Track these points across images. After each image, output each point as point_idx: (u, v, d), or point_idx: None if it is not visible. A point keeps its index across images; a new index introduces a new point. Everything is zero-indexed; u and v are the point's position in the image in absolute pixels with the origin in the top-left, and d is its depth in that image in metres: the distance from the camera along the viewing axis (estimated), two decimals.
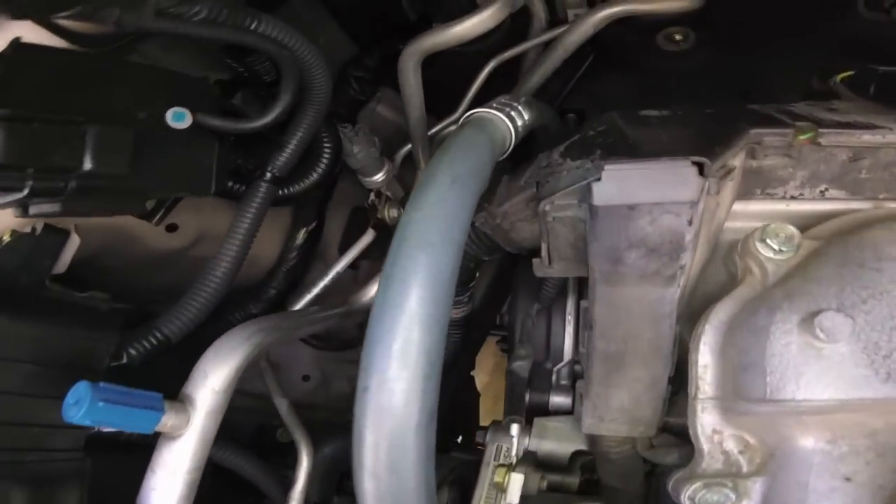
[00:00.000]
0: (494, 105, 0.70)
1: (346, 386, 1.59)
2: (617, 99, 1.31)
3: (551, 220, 0.60)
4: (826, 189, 0.69)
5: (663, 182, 0.52)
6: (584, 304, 0.72)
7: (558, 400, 0.88)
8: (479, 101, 1.26)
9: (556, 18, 1.17)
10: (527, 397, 0.86)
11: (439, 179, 0.51)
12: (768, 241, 0.65)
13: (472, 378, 1.89)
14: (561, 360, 0.85)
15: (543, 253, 0.63)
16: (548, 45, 1.15)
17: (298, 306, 1.08)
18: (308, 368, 1.50)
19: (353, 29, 1.29)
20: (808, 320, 0.57)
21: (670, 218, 0.53)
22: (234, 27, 0.79)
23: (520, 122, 0.69)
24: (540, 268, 0.65)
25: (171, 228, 0.96)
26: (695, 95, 1.27)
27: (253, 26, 0.81)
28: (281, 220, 1.15)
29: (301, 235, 1.09)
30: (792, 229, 0.65)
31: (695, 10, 1.04)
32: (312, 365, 1.49)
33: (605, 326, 0.64)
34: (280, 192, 0.93)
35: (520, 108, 0.72)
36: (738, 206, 0.69)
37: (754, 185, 0.69)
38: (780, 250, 0.65)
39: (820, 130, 0.64)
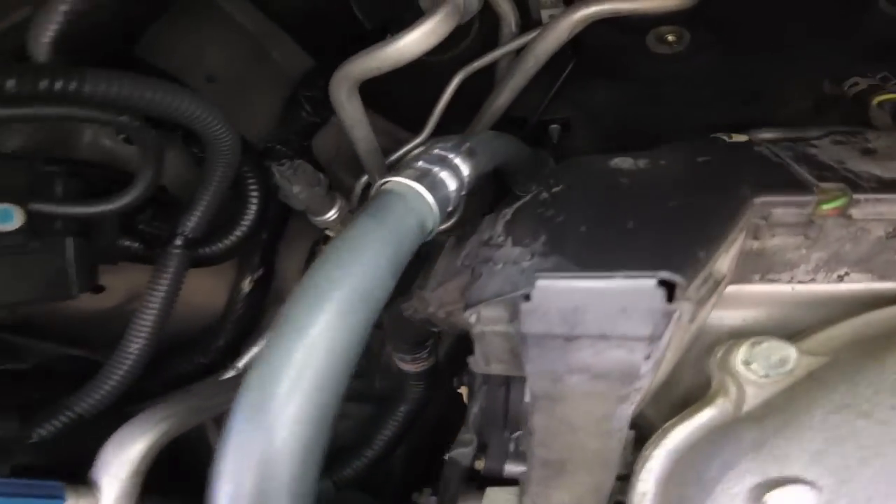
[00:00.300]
0: (420, 165, 0.54)
1: None
2: (605, 108, 1.13)
3: (479, 332, 0.46)
4: (847, 273, 0.53)
5: (614, 308, 0.37)
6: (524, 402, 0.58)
7: (514, 469, 0.75)
8: (450, 117, 1.11)
9: (531, 21, 1.00)
10: (482, 465, 0.74)
11: (306, 315, 0.37)
12: (754, 365, 0.50)
13: (460, 395, 1.77)
14: (518, 429, 0.72)
15: (478, 355, 0.50)
16: (519, 53, 0.98)
17: (246, 359, 0.96)
18: None
19: (308, 42, 1.14)
20: (760, 492, 0.42)
21: (621, 353, 0.39)
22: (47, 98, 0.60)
23: (451, 187, 0.54)
24: (476, 366, 0.51)
25: (98, 290, 0.86)
26: (692, 103, 1.09)
27: (76, 89, 0.61)
28: (226, 270, 1.04)
29: (247, 284, 0.97)
30: (789, 350, 0.49)
31: (688, 7, 0.87)
32: None
33: (545, 436, 0.50)
34: (204, 250, 0.81)
35: (457, 161, 0.56)
36: (728, 289, 0.53)
37: (752, 270, 0.53)
38: (767, 375, 0.49)
39: (854, 197, 0.48)
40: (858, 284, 0.54)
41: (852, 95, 0.99)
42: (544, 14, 0.95)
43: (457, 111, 1.12)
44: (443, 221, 0.54)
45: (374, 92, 1.26)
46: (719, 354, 0.52)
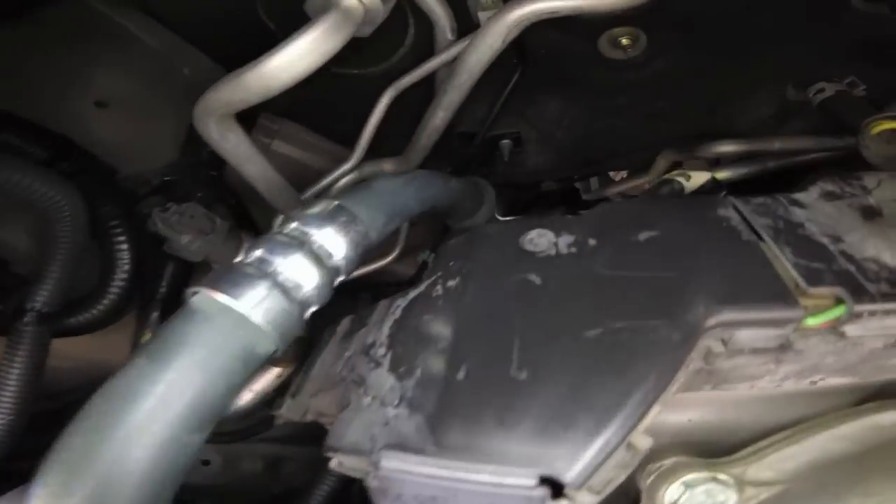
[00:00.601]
0: (258, 256, 0.38)
1: (258, 465, 1.31)
2: (557, 122, 1.00)
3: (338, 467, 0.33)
4: (822, 378, 0.39)
5: None
6: None
7: None
8: (396, 133, 0.97)
9: (471, 26, 0.87)
10: None
11: None
12: None
13: None
14: None
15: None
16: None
17: None
18: (205, 454, 1.23)
19: (221, 54, 0.98)
20: None
21: None
22: None
23: (308, 285, 0.37)
24: None
25: None
26: (649, 115, 0.97)
27: None
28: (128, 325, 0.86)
29: (146, 338, 0.79)
30: (729, 495, 0.36)
31: (640, 5, 0.74)
32: (210, 450, 1.21)
33: None
34: (69, 321, 0.65)
35: (325, 239, 0.40)
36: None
37: (702, 382, 0.39)
38: None
39: (856, 309, 0.35)
40: (833, 382, 0.40)
41: (818, 103, 0.89)
42: (483, 17, 0.81)
43: (401, 127, 0.98)
44: (300, 330, 0.38)
45: (310, 108, 1.10)
46: (649, 480, 0.38)
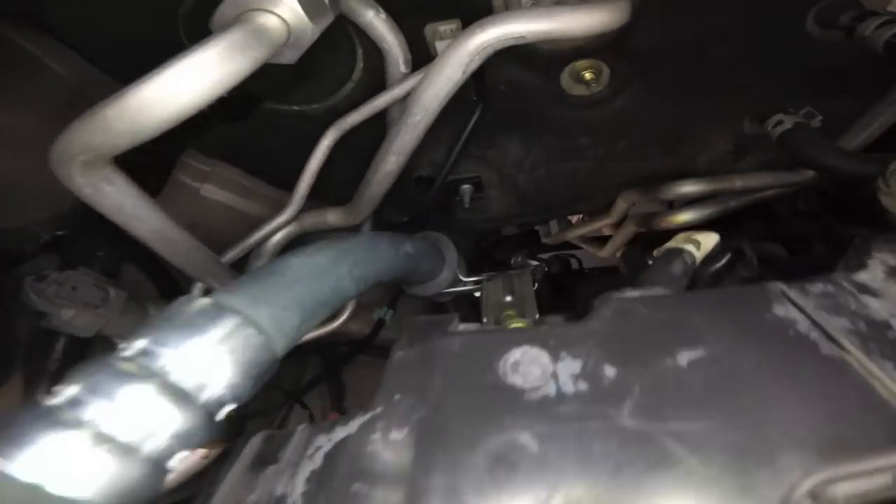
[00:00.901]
0: (58, 404, 0.24)
1: None
2: (518, 164, 0.92)
3: None
4: None
5: None
6: None
7: None
8: (328, 182, 0.84)
9: (427, 58, 0.79)
10: None
11: None
12: None
13: None
14: None
15: None
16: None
17: None
18: None
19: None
20: None
21: None
22: None
23: (159, 440, 0.24)
24: None
25: None
26: (613, 156, 0.91)
27: None
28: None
29: None
30: None
31: (609, 32, 0.69)
32: None
33: None
34: None
35: (178, 371, 0.27)
36: None
37: None
38: None
39: None
40: None
41: (777, 137, 0.85)
42: (441, 47, 0.73)
43: (349, 171, 0.86)
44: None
45: (246, 148, 0.93)
46: None
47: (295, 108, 0.78)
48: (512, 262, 1.54)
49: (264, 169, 0.94)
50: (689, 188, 0.95)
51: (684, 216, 0.98)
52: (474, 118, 0.81)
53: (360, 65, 0.75)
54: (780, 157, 0.93)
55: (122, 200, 0.55)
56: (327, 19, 0.53)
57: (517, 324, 0.63)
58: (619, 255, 1.36)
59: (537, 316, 0.66)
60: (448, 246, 0.88)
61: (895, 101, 0.81)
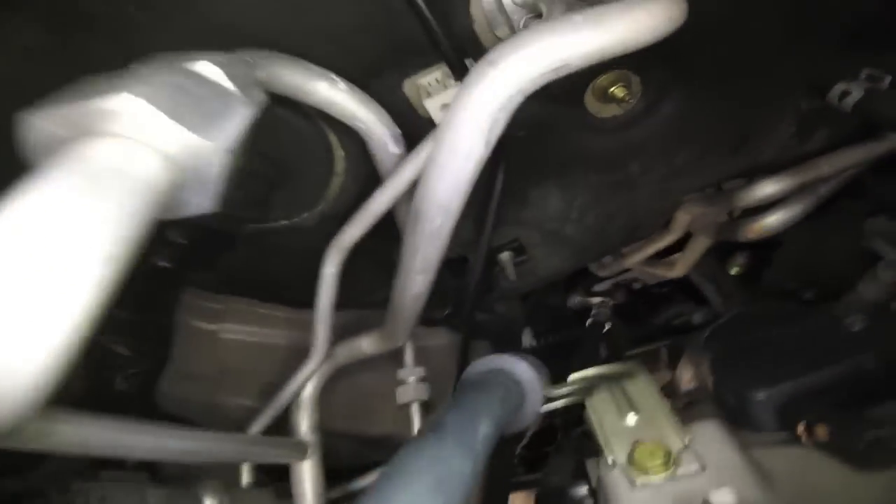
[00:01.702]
0: None
1: None
2: (560, 214, 0.72)
3: None
4: None
5: None
6: None
7: None
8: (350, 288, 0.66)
9: (421, 124, 0.60)
10: None
11: None
12: None
13: None
14: None
15: None
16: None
17: None
18: None
19: None
20: None
21: None
22: None
23: None
24: None
25: None
26: (668, 173, 0.67)
27: None
28: None
29: None
30: None
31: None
32: None
33: None
34: None
35: None
36: None
37: None
38: None
39: None
40: None
41: (853, 107, 0.62)
42: (433, 108, 0.55)
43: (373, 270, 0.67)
44: None
45: (251, 279, 0.76)
46: None
47: (283, 222, 0.61)
48: (569, 304, 1.30)
49: (277, 294, 0.77)
50: (771, 188, 0.71)
51: (774, 219, 0.73)
52: (498, 182, 0.61)
53: (338, 154, 0.58)
54: (847, 130, 0.69)
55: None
56: (238, 123, 0.33)
57: (658, 462, 0.41)
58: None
59: (685, 440, 0.43)
60: (519, 366, 0.61)
61: None
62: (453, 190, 0.41)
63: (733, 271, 1.04)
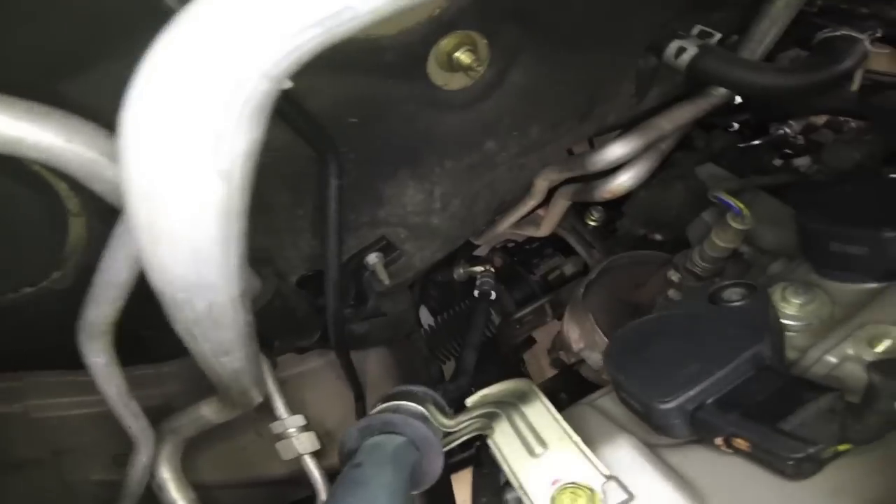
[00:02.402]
0: None
1: None
2: (425, 208, 0.58)
3: None
4: None
5: None
6: None
7: None
8: None
9: None
10: None
11: None
12: None
13: None
14: None
15: None
16: None
17: None
18: None
19: None
20: None
21: None
22: None
23: None
24: None
25: None
26: (525, 147, 0.58)
27: None
28: None
29: None
30: None
31: None
32: None
33: None
34: None
35: None
36: None
37: None
38: None
39: None
40: None
41: (687, 66, 0.59)
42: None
43: None
44: None
45: (48, 349, 0.49)
46: None
47: (27, 290, 0.39)
48: (455, 276, 1.22)
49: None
50: (619, 151, 0.66)
51: (626, 178, 0.69)
52: (333, 182, 0.46)
53: (62, 186, 0.37)
54: (676, 87, 0.67)
55: None
56: None
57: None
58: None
59: (604, 472, 0.34)
60: (410, 428, 0.46)
61: (786, 4, 0.56)
62: (194, 255, 0.24)
63: (591, 224, 1.04)
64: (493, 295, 1.13)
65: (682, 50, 0.57)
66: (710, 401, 0.35)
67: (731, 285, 0.41)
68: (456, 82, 0.48)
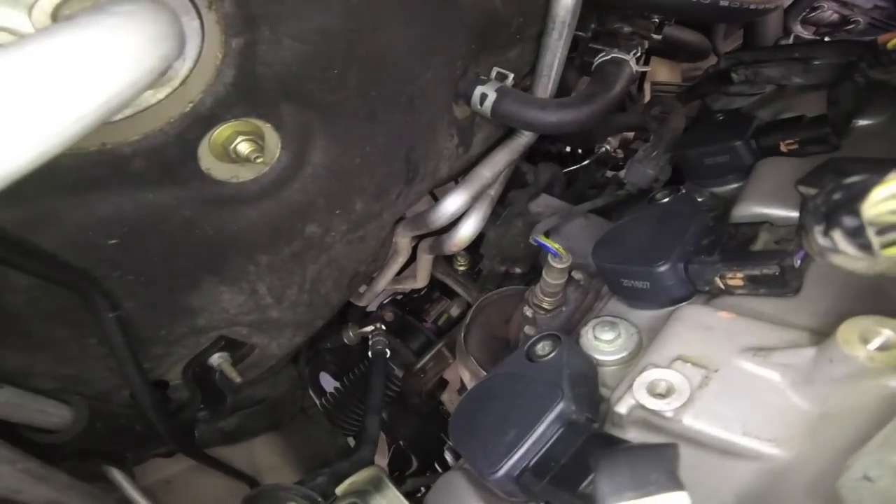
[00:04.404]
0: None
1: None
2: (254, 308, 0.50)
3: None
4: None
5: None
6: None
7: None
8: None
9: None
10: None
11: None
12: None
13: None
14: None
15: None
16: None
17: None
18: None
19: None
20: None
21: None
22: None
23: None
24: None
25: None
26: (358, 220, 0.54)
27: None
28: None
29: None
30: None
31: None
32: None
33: None
34: None
35: None
36: None
37: None
38: None
39: None
40: None
41: (491, 112, 0.59)
42: None
43: None
44: None
45: None
46: None
47: None
48: (347, 341, 1.12)
49: None
50: (453, 206, 0.64)
51: (466, 229, 0.68)
52: (106, 316, 0.36)
53: None
54: (498, 129, 0.69)
55: None
56: None
57: None
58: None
59: None
60: None
61: (560, 36, 0.60)
62: None
63: (461, 269, 1.02)
64: (388, 352, 1.05)
65: (484, 96, 0.57)
66: (530, 465, 0.31)
67: (541, 338, 0.40)
68: (246, 173, 0.41)
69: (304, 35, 0.37)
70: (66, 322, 0.38)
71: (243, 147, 0.38)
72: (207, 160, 0.38)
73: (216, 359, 0.55)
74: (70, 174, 0.30)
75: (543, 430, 0.32)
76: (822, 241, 0.27)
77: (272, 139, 0.41)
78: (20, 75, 0.17)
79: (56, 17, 0.27)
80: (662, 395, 0.34)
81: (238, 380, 0.56)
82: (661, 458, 0.22)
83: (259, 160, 0.38)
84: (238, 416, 0.71)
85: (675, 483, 0.20)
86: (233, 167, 0.40)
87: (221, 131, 0.38)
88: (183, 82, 0.34)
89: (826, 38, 1.14)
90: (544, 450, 0.32)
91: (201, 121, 0.35)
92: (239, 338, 0.54)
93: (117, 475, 0.53)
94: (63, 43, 0.18)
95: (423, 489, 0.92)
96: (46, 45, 0.18)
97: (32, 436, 0.40)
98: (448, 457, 0.98)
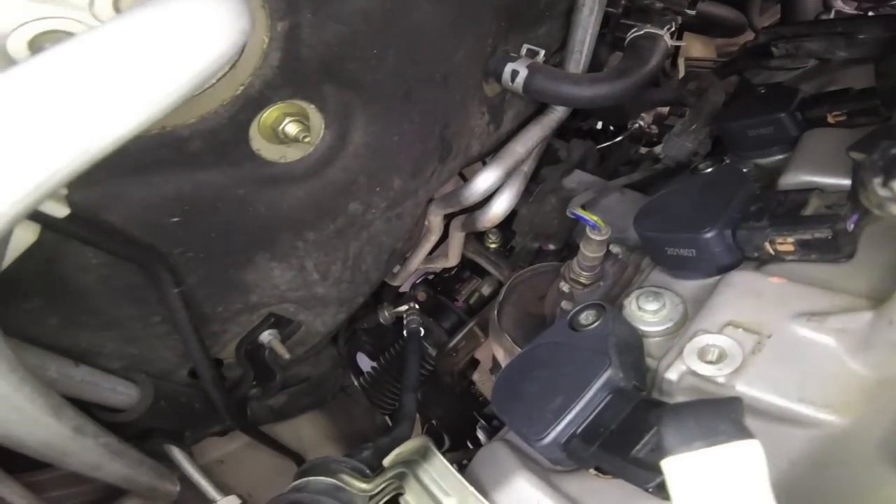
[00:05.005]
0: None
1: None
2: (303, 285, 0.52)
3: None
4: None
5: None
6: None
7: None
8: None
9: None
10: None
11: None
12: None
13: None
14: None
15: None
16: None
17: None
18: None
19: None
20: None
21: None
22: None
23: None
24: None
25: None
26: (397, 198, 0.54)
27: None
28: None
29: None
30: None
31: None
32: None
33: None
34: None
35: None
36: None
37: None
38: None
39: None
40: None
41: (523, 88, 0.58)
42: None
43: None
44: None
45: None
46: None
47: None
48: (382, 321, 1.15)
49: None
50: (486, 182, 0.64)
51: (498, 207, 0.68)
52: (171, 291, 0.38)
53: None
54: (529, 106, 0.68)
55: None
56: None
57: None
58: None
59: None
60: (318, 486, 0.41)
61: (591, 12, 0.58)
62: None
63: (492, 246, 1.02)
64: (422, 331, 1.07)
65: (515, 73, 0.57)
66: (578, 432, 0.32)
67: (585, 308, 0.39)
68: (293, 154, 0.43)
69: (345, 16, 0.37)
70: (133, 300, 0.41)
71: (291, 128, 0.39)
72: (258, 141, 0.40)
73: (266, 336, 0.57)
74: (135, 156, 0.32)
75: (591, 397, 0.32)
76: (881, 191, 0.27)
77: (316, 120, 0.42)
78: (133, 39, 0.17)
79: (117, 8, 0.28)
80: (713, 362, 0.33)
81: (287, 356, 0.58)
82: (728, 410, 0.21)
83: (307, 140, 0.39)
84: (285, 394, 0.75)
85: (745, 432, 0.20)
86: (281, 148, 0.42)
87: (270, 113, 0.39)
88: (233, 66, 0.35)
89: (870, 13, 1.06)
90: (592, 416, 0.32)
91: (251, 103, 0.36)
92: (287, 315, 0.56)
93: (177, 454, 0.54)
94: (165, 14, 0.19)
95: (455, 466, 0.94)
96: (150, 16, 0.18)
97: (101, 414, 0.43)
98: (480, 435, 1.00)
